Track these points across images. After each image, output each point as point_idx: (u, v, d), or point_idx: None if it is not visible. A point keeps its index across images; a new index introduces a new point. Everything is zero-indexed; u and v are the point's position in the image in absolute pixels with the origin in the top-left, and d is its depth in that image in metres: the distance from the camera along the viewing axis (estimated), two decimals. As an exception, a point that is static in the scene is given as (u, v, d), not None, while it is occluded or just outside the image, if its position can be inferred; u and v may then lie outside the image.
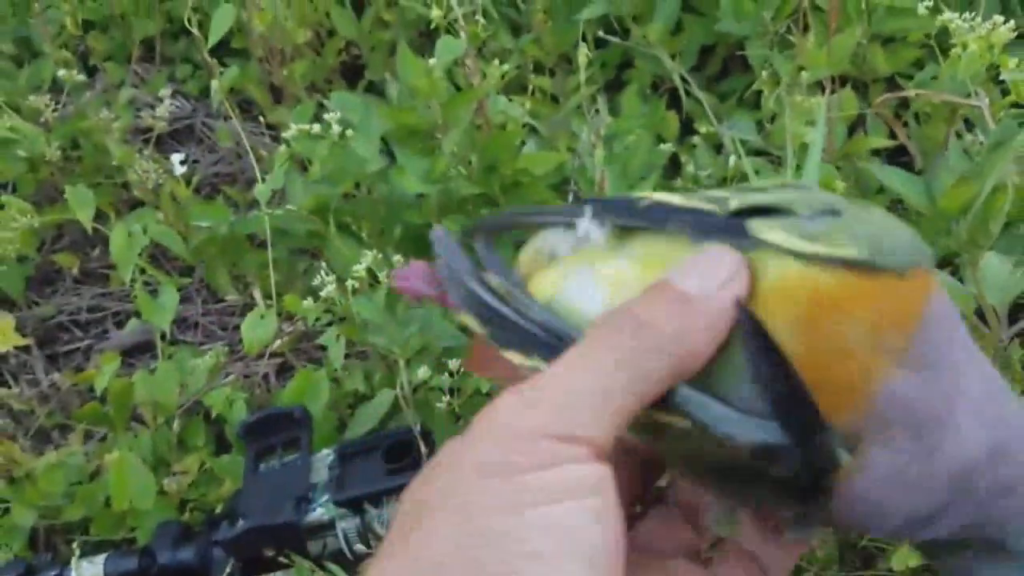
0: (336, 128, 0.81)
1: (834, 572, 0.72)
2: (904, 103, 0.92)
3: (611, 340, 0.30)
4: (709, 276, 0.30)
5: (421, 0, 0.87)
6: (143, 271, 0.92)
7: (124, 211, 1.03)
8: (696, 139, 0.95)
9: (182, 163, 0.92)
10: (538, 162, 0.88)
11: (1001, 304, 0.56)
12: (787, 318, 0.29)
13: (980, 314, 0.56)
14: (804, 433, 0.28)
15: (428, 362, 0.79)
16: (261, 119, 1.09)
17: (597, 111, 1.01)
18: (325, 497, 0.69)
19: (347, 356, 0.87)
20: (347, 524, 0.69)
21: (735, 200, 0.32)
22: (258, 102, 1.10)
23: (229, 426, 0.83)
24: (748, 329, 0.29)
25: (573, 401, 0.28)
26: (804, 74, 0.80)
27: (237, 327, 0.92)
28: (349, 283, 0.75)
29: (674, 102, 1.02)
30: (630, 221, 0.34)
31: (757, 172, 0.88)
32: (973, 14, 0.73)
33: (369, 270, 0.75)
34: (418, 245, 0.85)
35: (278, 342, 0.88)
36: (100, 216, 0.95)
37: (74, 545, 0.73)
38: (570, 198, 0.91)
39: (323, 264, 0.81)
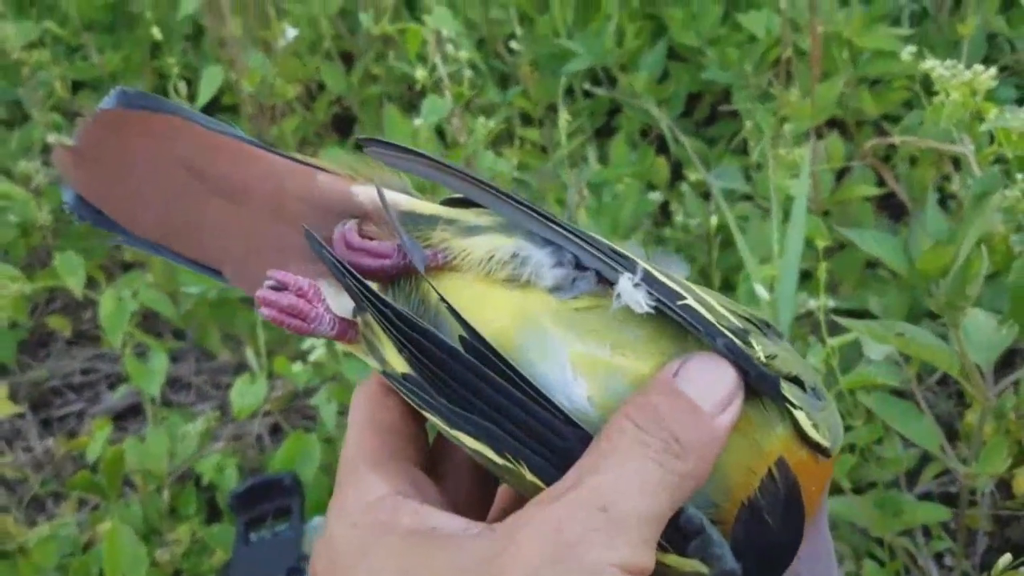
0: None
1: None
2: (893, 146, 0.92)
3: (652, 457, 0.29)
4: (712, 389, 0.30)
5: (407, 59, 0.87)
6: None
7: (117, 272, 1.03)
8: (684, 187, 0.95)
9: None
10: (526, 216, 0.88)
11: (987, 363, 0.55)
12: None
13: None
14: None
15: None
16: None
17: (585, 160, 1.01)
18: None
19: (341, 414, 0.86)
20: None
21: (759, 348, 0.32)
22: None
23: (220, 492, 0.82)
24: (784, 483, 0.32)
25: (646, 531, 0.28)
26: (787, 127, 0.80)
27: (231, 385, 0.92)
28: (339, 345, 0.75)
29: (664, 146, 1.02)
30: (672, 311, 0.31)
31: (746, 219, 0.88)
32: (955, 62, 0.73)
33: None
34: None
35: (268, 404, 0.88)
36: (91, 281, 0.95)
37: (66, 619, 0.73)
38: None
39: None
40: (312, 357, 0.80)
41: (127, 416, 0.98)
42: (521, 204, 0.34)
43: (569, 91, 1.05)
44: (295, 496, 0.74)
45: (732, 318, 0.32)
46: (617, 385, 0.31)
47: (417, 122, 0.81)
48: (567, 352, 0.31)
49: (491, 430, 0.30)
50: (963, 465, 0.58)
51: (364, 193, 0.36)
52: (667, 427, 0.29)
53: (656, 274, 0.32)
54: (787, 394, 0.31)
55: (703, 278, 0.88)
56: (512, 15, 1.00)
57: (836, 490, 0.65)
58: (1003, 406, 0.62)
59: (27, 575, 0.78)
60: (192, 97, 0.96)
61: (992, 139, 0.78)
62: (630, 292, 0.31)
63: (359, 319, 0.35)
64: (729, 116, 1.03)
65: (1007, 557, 0.49)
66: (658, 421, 0.29)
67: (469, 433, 0.31)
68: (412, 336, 0.31)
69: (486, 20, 1.02)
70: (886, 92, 0.95)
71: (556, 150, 0.99)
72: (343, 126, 1.15)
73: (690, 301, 0.31)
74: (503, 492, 0.37)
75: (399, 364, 0.32)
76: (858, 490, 0.67)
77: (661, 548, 0.30)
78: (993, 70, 0.71)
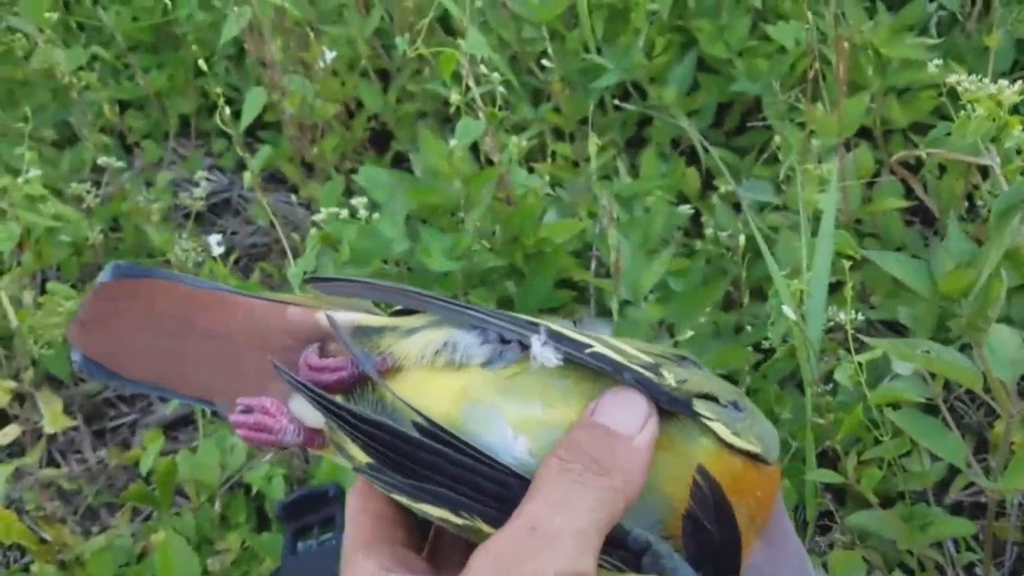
0: (363, 212, 0.84)
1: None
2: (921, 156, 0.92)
3: (575, 479, 0.33)
4: (625, 415, 0.34)
5: (441, 80, 0.89)
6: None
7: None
8: (715, 198, 0.96)
9: (219, 244, 0.96)
10: (559, 231, 0.90)
11: (1011, 379, 0.56)
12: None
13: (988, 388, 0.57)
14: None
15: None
16: (293, 196, 1.13)
17: (617, 172, 1.03)
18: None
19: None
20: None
21: (669, 377, 0.36)
22: (291, 178, 1.14)
23: (269, 501, 0.85)
24: (708, 487, 0.34)
25: (579, 541, 0.31)
26: (815, 142, 0.81)
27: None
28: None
29: (695, 156, 1.04)
30: (582, 359, 0.36)
31: (776, 230, 0.90)
32: (979, 76, 0.74)
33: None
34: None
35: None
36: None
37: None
38: (592, 265, 0.93)
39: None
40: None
41: (178, 426, 1.02)
42: (447, 302, 0.39)
43: (600, 103, 1.07)
44: (339, 506, 0.76)
45: (644, 356, 0.37)
46: (552, 435, 0.35)
47: (452, 143, 0.84)
48: (506, 417, 0.36)
49: (447, 495, 0.35)
50: (989, 479, 0.59)
51: (323, 319, 0.42)
52: (586, 452, 0.33)
53: (563, 331, 0.37)
54: (701, 410, 0.36)
55: (736, 289, 0.90)
56: (543, 33, 1.02)
57: (863, 503, 0.67)
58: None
59: (85, 584, 0.81)
60: (237, 115, 0.99)
61: (1020, 151, 0.79)
62: (540, 351, 0.36)
63: (326, 426, 0.40)
64: (759, 125, 1.04)
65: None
66: (579, 450, 0.34)
67: (429, 503, 0.35)
68: (366, 429, 0.36)
69: (518, 39, 1.04)
70: (914, 101, 0.96)
71: (587, 164, 1.00)
72: (380, 142, 1.18)
73: (598, 348, 0.36)
74: None
75: (362, 456, 0.37)
76: (886, 503, 0.68)
77: (618, 568, 0.34)
78: (1019, 84, 0.72)
